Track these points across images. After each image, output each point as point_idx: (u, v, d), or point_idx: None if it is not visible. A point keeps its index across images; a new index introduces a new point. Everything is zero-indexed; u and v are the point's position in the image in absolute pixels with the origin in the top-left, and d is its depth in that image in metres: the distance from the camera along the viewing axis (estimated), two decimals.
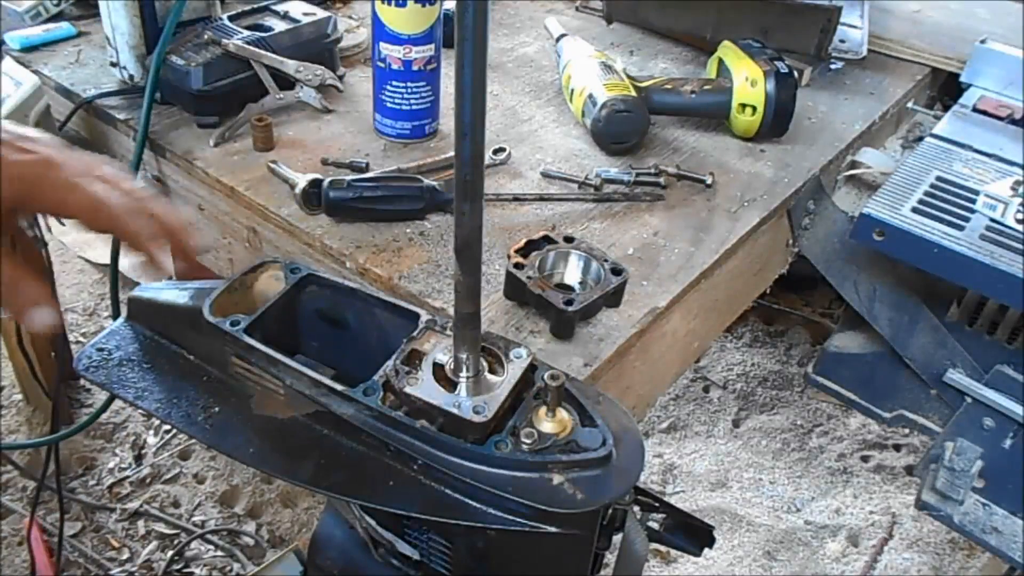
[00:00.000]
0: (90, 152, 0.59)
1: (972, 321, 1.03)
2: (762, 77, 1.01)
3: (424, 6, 0.92)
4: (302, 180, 0.87)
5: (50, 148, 0.53)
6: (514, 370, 0.56)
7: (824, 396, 1.70)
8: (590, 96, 1.00)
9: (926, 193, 0.97)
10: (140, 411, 1.74)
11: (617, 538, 0.59)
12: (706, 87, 1.04)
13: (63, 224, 1.12)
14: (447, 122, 1.02)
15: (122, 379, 0.60)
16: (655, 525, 0.66)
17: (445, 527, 0.56)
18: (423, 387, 0.54)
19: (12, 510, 1.62)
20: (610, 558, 0.59)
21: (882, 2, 1.42)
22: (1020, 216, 0.93)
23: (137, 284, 0.66)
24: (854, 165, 1.10)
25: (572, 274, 0.79)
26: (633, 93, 1.00)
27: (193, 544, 1.60)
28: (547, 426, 0.53)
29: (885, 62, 1.29)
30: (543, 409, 0.54)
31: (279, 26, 1.04)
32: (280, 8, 1.07)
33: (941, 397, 1.05)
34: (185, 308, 0.61)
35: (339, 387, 0.55)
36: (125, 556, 1.58)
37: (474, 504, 0.52)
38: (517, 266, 0.76)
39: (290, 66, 1.02)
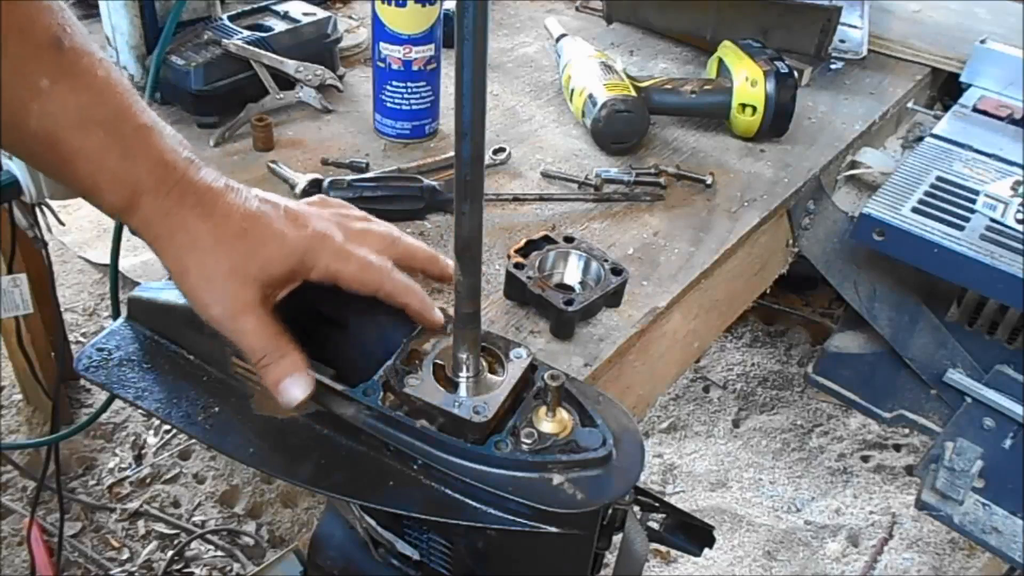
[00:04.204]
0: (359, 216, 0.63)
1: (972, 321, 1.03)
2: (762, 77, 1.01)
3: (424, 6, 0.92)
4: (302, 180, 0.87)
5: (321, 222, 0.58)
6: (514, 370, 0.56)
7: (824, 396, 1.69)
8: (590, 96, 1.00)
9: (926, 193, 0.97)
10: (140, 411, 1.74)
11: (617, 538, 0.59)
12: (706, 87, 1.04)
13: (63, 224, 1.12)
14: (447, 122, 1.02)
15: (122, 379, 0.60)
16: (655, 525, 0.66)
17: (445, 527, 0.56)
18: (423, 387, 0.54)
19: (12, 510, 1.62)
20: (610, 558, 0.59)
21: (882, 2, 1.42)
22: (1020, 216, 0.93)
23: (137, 284, 0.66)
24: (854, 165, 1.10)
25: (572, 274, 0.79)
26: (633, 93, 1.00)
27: (193, 544, 1.60)
28: (547, 426, 0.53)
29: (885, 62, 1.29)
30: (543, 409, 0.54)
31: (279, 26, 1.04)
32: (280, 8, 1.08)
33: (941, 397, 1.05)
34: (185, 308, 0.61)
35: (339, 387, 0.55)
36: (125, 556, 1.58)
37: (474, 504, 0.52)
38: (517, 266, 0.76)
39: (290, 66, 1.02)
